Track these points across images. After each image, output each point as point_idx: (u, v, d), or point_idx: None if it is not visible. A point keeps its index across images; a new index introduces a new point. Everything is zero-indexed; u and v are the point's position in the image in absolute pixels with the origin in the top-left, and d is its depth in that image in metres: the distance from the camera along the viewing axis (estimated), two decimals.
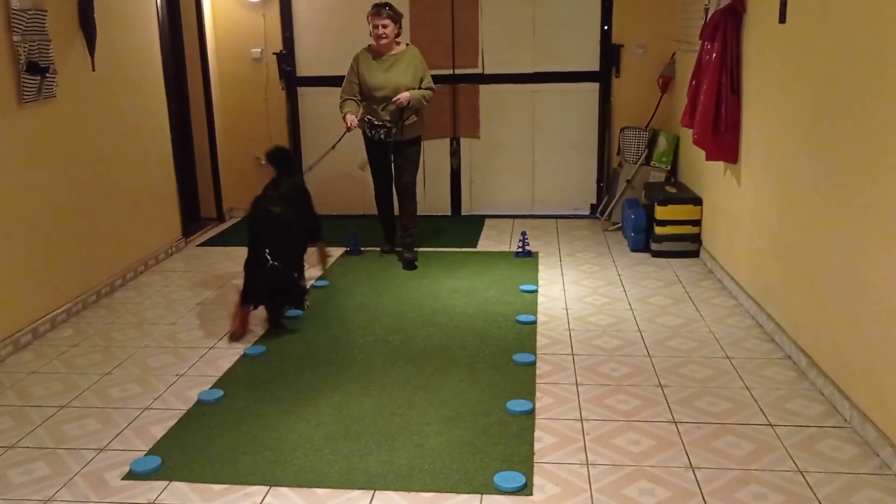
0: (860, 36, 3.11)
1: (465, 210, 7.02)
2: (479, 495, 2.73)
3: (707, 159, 4.93)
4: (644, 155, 6.31)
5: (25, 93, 4.18)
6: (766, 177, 4.22)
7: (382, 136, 5.29)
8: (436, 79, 6.64)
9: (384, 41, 5.21)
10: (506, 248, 5.88)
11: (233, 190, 7.05)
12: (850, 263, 3.18)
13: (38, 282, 4.30)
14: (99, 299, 4.84)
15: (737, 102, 4.66)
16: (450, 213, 7.02)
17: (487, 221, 6.75)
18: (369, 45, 5.35)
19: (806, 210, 3.65)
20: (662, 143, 6.27)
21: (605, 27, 6.52)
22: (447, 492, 2.75)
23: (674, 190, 5.78)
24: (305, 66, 6.91)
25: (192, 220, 6.61)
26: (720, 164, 5.03)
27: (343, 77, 5.40)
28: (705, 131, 4.75)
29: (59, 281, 4.48)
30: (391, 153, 5.42)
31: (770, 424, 3.17)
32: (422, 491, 2.76)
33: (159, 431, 3.20)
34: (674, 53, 6.31)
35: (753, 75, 4.45)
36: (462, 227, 6.54)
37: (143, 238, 5.52)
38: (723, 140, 4.73)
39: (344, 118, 5.27)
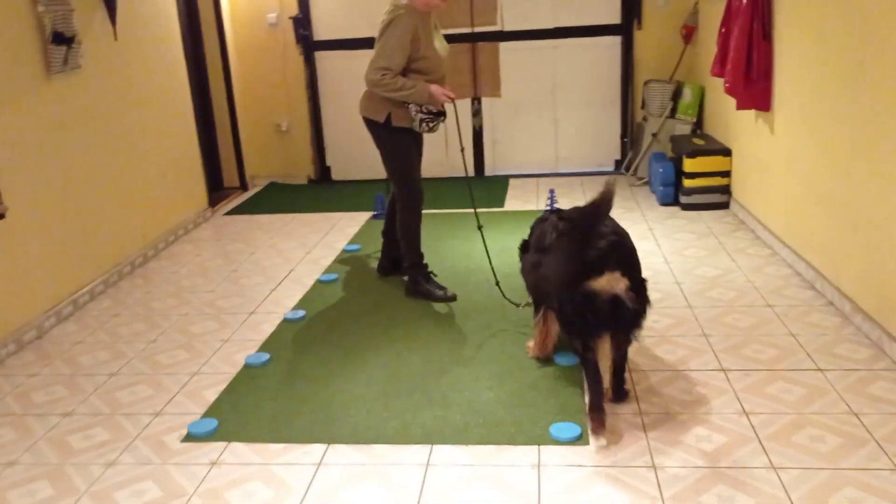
0: None
1: (489, 171, 6.99)
2: (537, 446, 2.75)
3: (738, 108, 4.87)
4: (669, 108, 6.24)
5: (52, 64, 4.16)
6: (802, 123, 4.17)
7: (435, 128, 4.05)
8: (454, 37, 6.60)
9: (444, 4, 3.90)
10: (533, 207, 5.86)
11: (255, 158, 7.04)
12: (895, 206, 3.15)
13: (75, 253, 4.31)
14: (134, 270, 4.86)
15: (769, 49, 4.59)
16: (473, 174, 6.98)
17: (512, 181, 6.72)
18: (405, 3, 3.86)
19: (847, 154, 3.61)
20: (688, 94, 6.20)
21: None
22: (504, 444, 2.77)
23: (701, 142, 5.72)
24: (322, 29, 6.83)
25: (216, 189, 6.61)
26: (750, 114, 4.97)
27: (365, 40, 4.35)
28: (737, 79, 4.69)
29: (95, 252, 4.49)
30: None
31: (819, 369, 3.17)
32: (479, 444, 2.78)
33: (212, 395, 3.23)
34: (696, 2, 6.21)
35: (786, 19, 4.37)
36: (487, 188, 6.51)
37: (173, 208, 5.52)
38: (755, 88, 4.66)
39: (431, 94, 3.86)
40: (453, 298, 4.15)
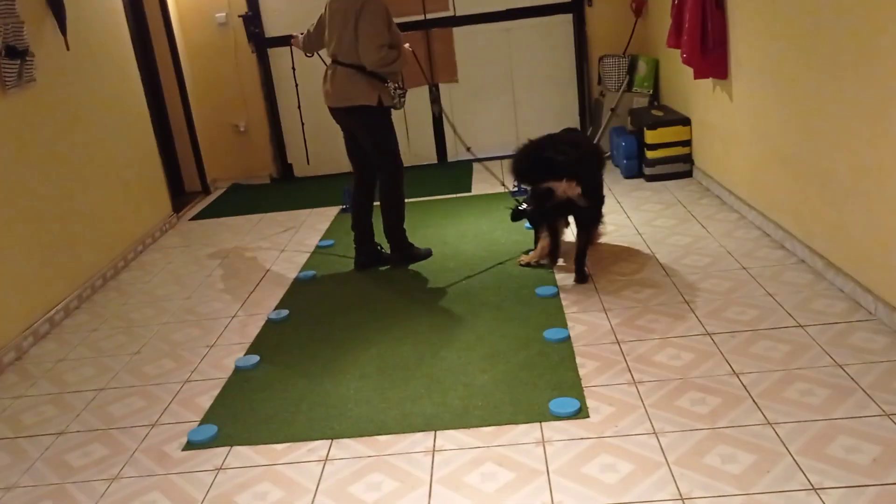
0: None
1: (452, 157, 7.01)
2: (538, 423, 2.79)
3: (696, 77, 4.97)
4: (625, 82, 6.32)
5: (7, 79, 4.05)
6: (761, 87, 4.27)
7: (404, 102, 4.34)
8: (407, 25, 6.60)
9: None
10: (501, 190, 5.89)
11: (215, 160, 6.96)
12: (860, 159, 3.25)
13: (45, 270, 4.22)
14: (106, 282, 4.78)
15: (722, 17, 4.68)
16: (436, 161, 7.00)
17: (476, 165, 6.74)
18: None
19: (808, 113, 3.71)
20: (642, 67, 6.29)
21: None
22: (506, 424, 2.81)
23: (660, 113, 5.82)
24: (274, 26, 6.76)
25: (178, 195, 6.51)
26: (708, 82, 5.07)
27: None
28: (693, 49, 4.78)
29: (65, 267, 4.41)
30: None
31: (800, 326, 3.27)
32: (481, 426, 2.81)
33: (206, 401, 3.20)
34: None
35: None
36: (452, 174, 6.54)
37: (138, 217, 5.43)
38: (711, 56, 4.76)
39: (404, 56, 4.19)
40: (430, 252, 4.63)
